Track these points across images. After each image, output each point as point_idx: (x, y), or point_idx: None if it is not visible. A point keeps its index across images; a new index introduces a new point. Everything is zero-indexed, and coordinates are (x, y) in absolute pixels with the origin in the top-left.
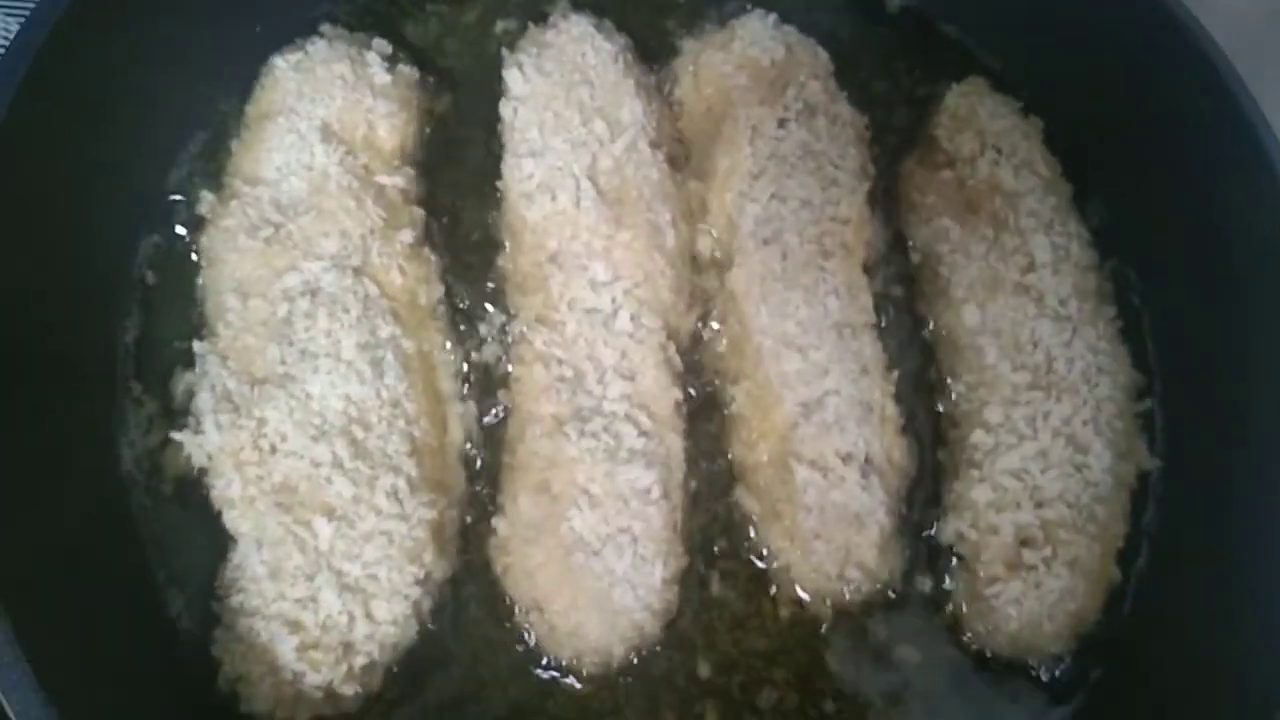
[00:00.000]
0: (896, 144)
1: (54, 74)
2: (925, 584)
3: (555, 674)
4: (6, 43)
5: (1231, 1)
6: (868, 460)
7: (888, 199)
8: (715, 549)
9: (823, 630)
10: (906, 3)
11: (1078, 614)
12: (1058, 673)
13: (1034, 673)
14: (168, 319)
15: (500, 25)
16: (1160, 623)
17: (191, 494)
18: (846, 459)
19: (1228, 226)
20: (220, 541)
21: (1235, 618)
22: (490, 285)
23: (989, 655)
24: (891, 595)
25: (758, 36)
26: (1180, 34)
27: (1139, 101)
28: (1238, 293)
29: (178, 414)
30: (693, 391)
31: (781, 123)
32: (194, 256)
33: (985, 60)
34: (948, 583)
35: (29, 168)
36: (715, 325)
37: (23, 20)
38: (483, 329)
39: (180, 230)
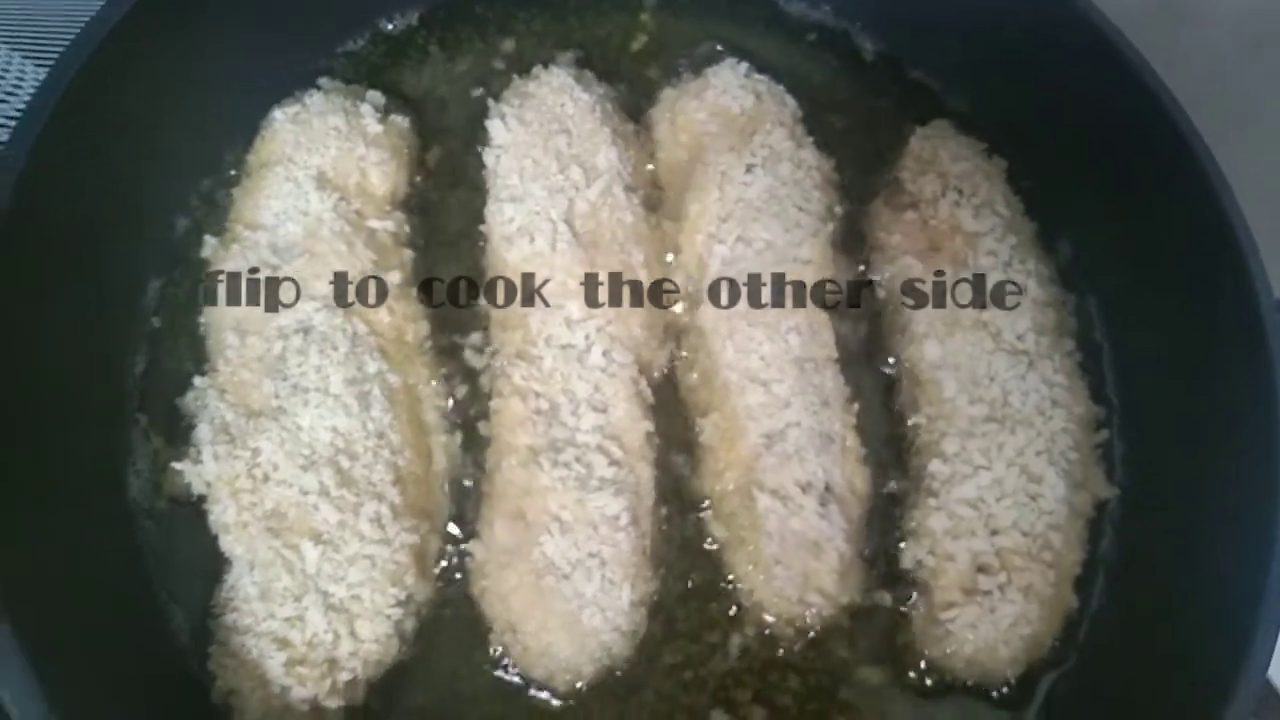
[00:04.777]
0: (865, 185)
1: (74, 127)
2: (885, 607)
3: (529, 691)
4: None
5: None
6: (828, 489)
7: (855, 237)
8: (683, 573)
9: (786, 652)
10: (880, 49)
11: (1032, 638)
12: (1013, 694)
13: (991, 695)
14: (173, 354)
15: (488, 76)
16: (1115, 647)
17: (191, 519)
18: (806, 488)
19: (1186, 267)
20: (216, 564)
21: (1190, 646)
22: (474, 322)
23: (946, 678)
24: (852, 618)
25: (729, 85)
26: (1136, 84)
27: (1101, 145)
28: (1197, 324)
29: (180, 444)
30: (664, 423)
31: (749, 169)
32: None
33: (954, 103)
34: (907, 607)
35: (49, 214)
36: (687, 359)
37: (49, 67)
38: (466, 364)
39: (186, 271)
